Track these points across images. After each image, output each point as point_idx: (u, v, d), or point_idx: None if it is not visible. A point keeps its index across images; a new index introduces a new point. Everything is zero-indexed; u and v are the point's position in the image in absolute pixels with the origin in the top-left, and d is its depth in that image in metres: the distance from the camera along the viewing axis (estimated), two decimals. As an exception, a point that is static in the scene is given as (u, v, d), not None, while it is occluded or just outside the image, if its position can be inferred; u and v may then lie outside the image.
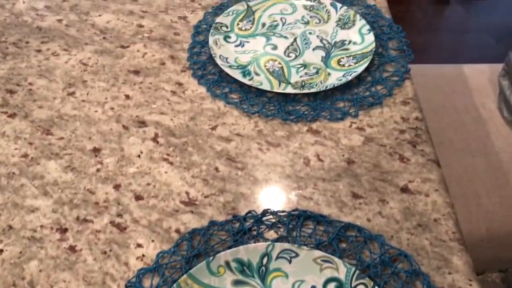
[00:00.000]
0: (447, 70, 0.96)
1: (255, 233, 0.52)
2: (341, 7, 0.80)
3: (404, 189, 0.56)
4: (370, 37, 0.73)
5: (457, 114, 0.85)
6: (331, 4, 0.80)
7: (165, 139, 0.62)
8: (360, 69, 0.68)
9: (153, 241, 0.52)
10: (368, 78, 0.69)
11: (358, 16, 0.77)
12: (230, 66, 0.70)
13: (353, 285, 0.46)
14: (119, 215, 0.55)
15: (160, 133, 0.63)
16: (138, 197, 0.56)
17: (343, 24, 0.78)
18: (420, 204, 0.54)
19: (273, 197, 0.56)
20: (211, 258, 0.48)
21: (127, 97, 0.68)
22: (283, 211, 0.54)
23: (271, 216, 0.53)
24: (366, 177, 0.57)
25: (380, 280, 0.48)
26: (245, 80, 0.67)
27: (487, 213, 0.73)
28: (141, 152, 0.61)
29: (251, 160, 0.60)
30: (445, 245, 0.51)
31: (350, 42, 0.74)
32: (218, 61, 0.70)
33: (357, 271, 0.47)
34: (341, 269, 0.47)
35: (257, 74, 0.69)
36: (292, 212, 0.53)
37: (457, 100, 0.87)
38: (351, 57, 0.71)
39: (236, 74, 0.68)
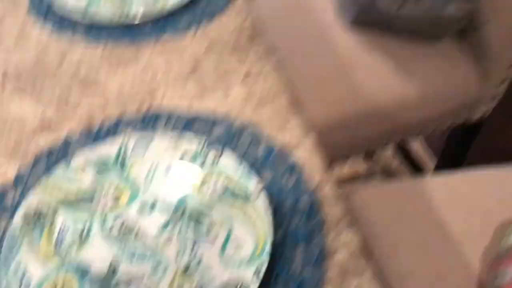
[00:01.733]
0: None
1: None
2: None
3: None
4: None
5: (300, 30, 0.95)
6: None
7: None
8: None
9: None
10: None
11: None
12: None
13: (205, 151, 0.51)
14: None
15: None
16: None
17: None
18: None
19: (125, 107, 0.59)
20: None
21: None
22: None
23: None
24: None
25: (229, 146, 0.53)
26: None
27: (338, 99, 0.84)
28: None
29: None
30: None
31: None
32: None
33: (207, 141, 0.52)
34: (194, 141, 0.52)
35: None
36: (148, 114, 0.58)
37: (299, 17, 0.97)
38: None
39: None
